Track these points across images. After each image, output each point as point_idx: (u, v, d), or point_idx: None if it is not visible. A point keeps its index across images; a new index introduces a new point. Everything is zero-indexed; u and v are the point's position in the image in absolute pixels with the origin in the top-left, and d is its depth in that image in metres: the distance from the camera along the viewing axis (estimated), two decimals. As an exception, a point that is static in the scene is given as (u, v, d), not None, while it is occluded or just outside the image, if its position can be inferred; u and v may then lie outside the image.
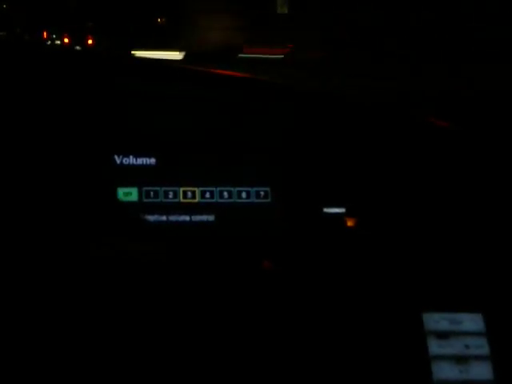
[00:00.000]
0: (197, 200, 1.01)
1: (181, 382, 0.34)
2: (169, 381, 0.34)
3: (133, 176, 1.00)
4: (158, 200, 1.01)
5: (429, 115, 1.03)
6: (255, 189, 1.03)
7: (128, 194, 1.00)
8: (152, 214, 1.00)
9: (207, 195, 1.01)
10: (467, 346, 0.87)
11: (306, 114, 0.99)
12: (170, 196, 1.01)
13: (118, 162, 1.01)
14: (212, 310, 0.44)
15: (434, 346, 0.87)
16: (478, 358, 0.87)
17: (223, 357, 0.46)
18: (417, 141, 0.98)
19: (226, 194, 1.02)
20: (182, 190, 1.01)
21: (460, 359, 0.87)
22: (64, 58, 0.95)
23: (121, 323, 0.32)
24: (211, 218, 1.01)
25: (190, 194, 1.01)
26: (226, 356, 0.47)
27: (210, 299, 0.46)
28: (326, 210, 1.01)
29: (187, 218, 1.01)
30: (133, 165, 1.01)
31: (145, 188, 1.00)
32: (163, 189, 1.01)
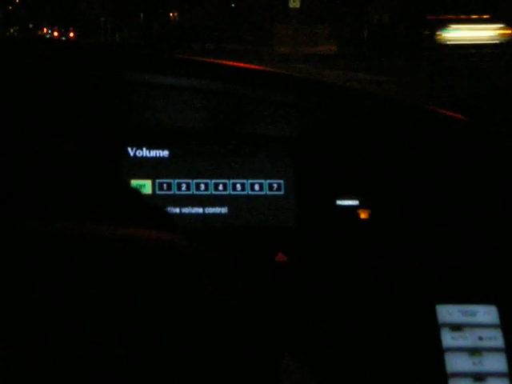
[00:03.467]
0: (210, 192, 1.02)
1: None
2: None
3: (146, 168, 1.01)
4: (171, 192, 1.01)
5: (442, 108, 1.03)
6: (268, 181, 1.03)
7: (141, 186, 1.00)
8: (165, 206, 1.00)
9: (220, 187, 1.02)
10: (481, 338, 0.87)
11: (320, 106, 0.99)
12: (183, 188, 1.01)
13: (132, 154, 1.01)
14: (224, 302, 0.44)
15: (448, 338, 0.87)
16: (491, 350, 0.86)
17: (233, 351, 0.46)
18: (431, 133, 0.98)
19: (239, 186, 1.02)
20: (195, 182, 1.01)
21: (473, 351, 0.86)
22: (78, 53, 0.95)
23: (130, 314, 0.32)
24: (224, 210, 1.01)
25: (203, 186, 1.01)
26: (236, 349, 0.46)
27: (222, 291, 0.46)
28: (339, 202, 1.01)
29: (200, 210, 1.01)
30: (146, 157, 1.01)
31: (158, 180, 1.01)
32: (176, 181, 1.01)
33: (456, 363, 0.85)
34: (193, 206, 1.01)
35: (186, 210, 1.01)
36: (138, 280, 0.32)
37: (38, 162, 0.43)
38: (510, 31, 13.62)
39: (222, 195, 1.02)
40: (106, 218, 0.41)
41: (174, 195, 1.01)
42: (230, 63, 0.96)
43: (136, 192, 0.54)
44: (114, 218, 0.41)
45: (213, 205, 1.01)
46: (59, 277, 0.31)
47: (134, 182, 1.00)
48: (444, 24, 13.68)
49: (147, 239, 0.35)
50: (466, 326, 0.87)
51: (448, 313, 0.88)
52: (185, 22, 25.74)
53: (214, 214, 1.01)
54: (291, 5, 19.47)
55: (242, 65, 0.98)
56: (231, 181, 1.02)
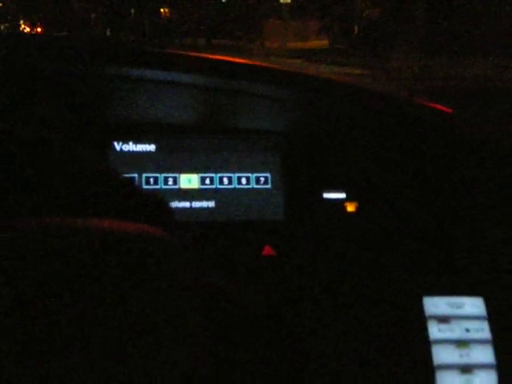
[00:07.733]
0: (197, 186, 1.01)
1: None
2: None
3: (133, 163, 1.01)
4: (158, 186, 1.01)
5: (431, 101, 1.03)
6: (255, 174, 1.02)
7: None
8: None
9: (207, 181, 1.01)
10: (468, 330, 0.87)
11: (307, 100, 0.99)
12: (170, 182, 1.01)
13: (118, 148, 1.01)
14: (212, 295, 0.44)
15: (435, 330, 0.87)
16: (478, 341, 0.87)
17: (221, 343, 0.46)
18: (418, 126, 0.97)
19: (225, 179, 1.02)
20: (181, 176, 1.01)
21: (461, 343, 0.86)
22: (65, 47, 0.95)
23: (121, 308, 0.32)
24: (211, 204, 1.01)
25: (189, 180, 1.01)
26: (224, 343, 0.46)
27: (210, 285, 0.46)
28: (326, 195, 1.00)
29: (187, 204, 1.01)
30: (133, 151, 1.01)
31: (145, 174, 1.00)
32: (163, 175, 1.01)
33: (443, 355, 0.86)
34: (180, 200, 1.01)
35: (172, 205, 1.00)
36: (112, 272, 0.32)
37: (27, 156, 0.43)
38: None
39: (208, 189, 1.01)
40: (105, 212, 0.40)
41: (161, 189, 1.00)
42: (217, 57, 0.96)
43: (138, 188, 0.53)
44: (116, 212, 0.41)
45: (200, 199, 1.01)
46: (43, 269, 0.31)
47: None
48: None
49: (125, 231, 0.35)
50: (453, 318, 0.88)
51: (435, 305, 0.88)
52: (176, 17, 25.72)
53: (201, 208, 1.01)
54: (282, 0, 19.49)
55: (229, 59, 0.97)
56: (218, 174, 1.02)
